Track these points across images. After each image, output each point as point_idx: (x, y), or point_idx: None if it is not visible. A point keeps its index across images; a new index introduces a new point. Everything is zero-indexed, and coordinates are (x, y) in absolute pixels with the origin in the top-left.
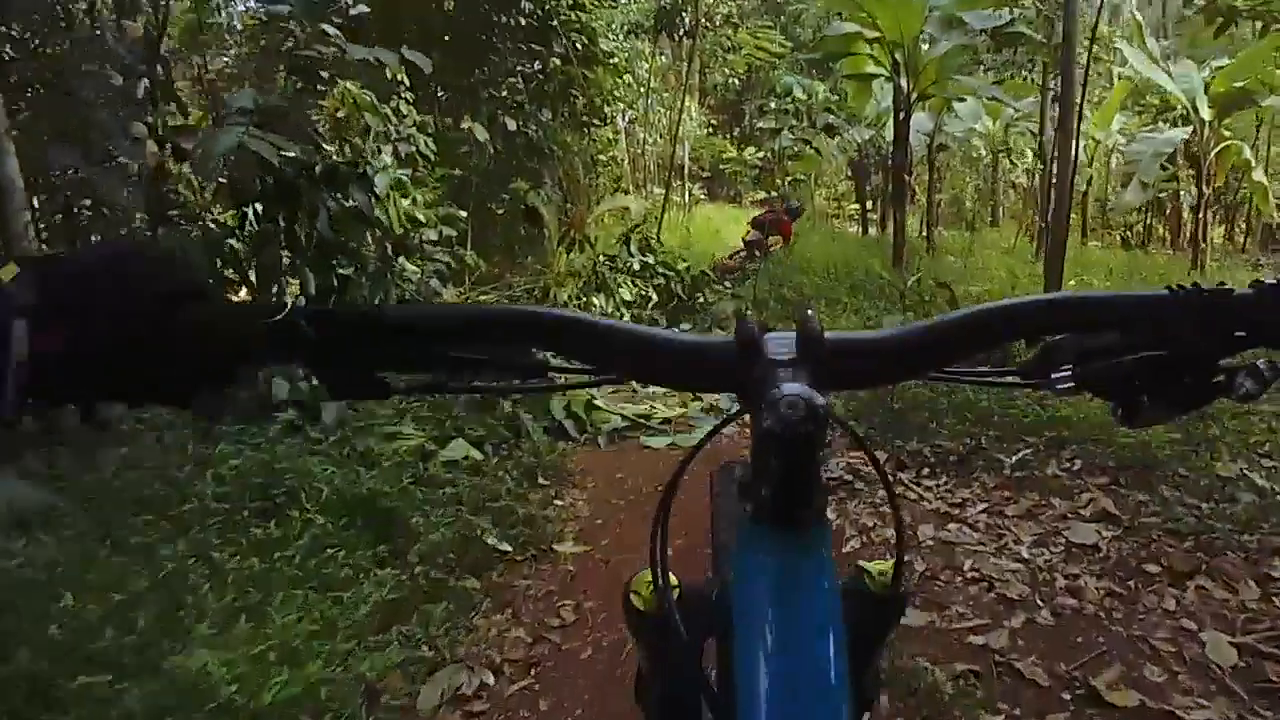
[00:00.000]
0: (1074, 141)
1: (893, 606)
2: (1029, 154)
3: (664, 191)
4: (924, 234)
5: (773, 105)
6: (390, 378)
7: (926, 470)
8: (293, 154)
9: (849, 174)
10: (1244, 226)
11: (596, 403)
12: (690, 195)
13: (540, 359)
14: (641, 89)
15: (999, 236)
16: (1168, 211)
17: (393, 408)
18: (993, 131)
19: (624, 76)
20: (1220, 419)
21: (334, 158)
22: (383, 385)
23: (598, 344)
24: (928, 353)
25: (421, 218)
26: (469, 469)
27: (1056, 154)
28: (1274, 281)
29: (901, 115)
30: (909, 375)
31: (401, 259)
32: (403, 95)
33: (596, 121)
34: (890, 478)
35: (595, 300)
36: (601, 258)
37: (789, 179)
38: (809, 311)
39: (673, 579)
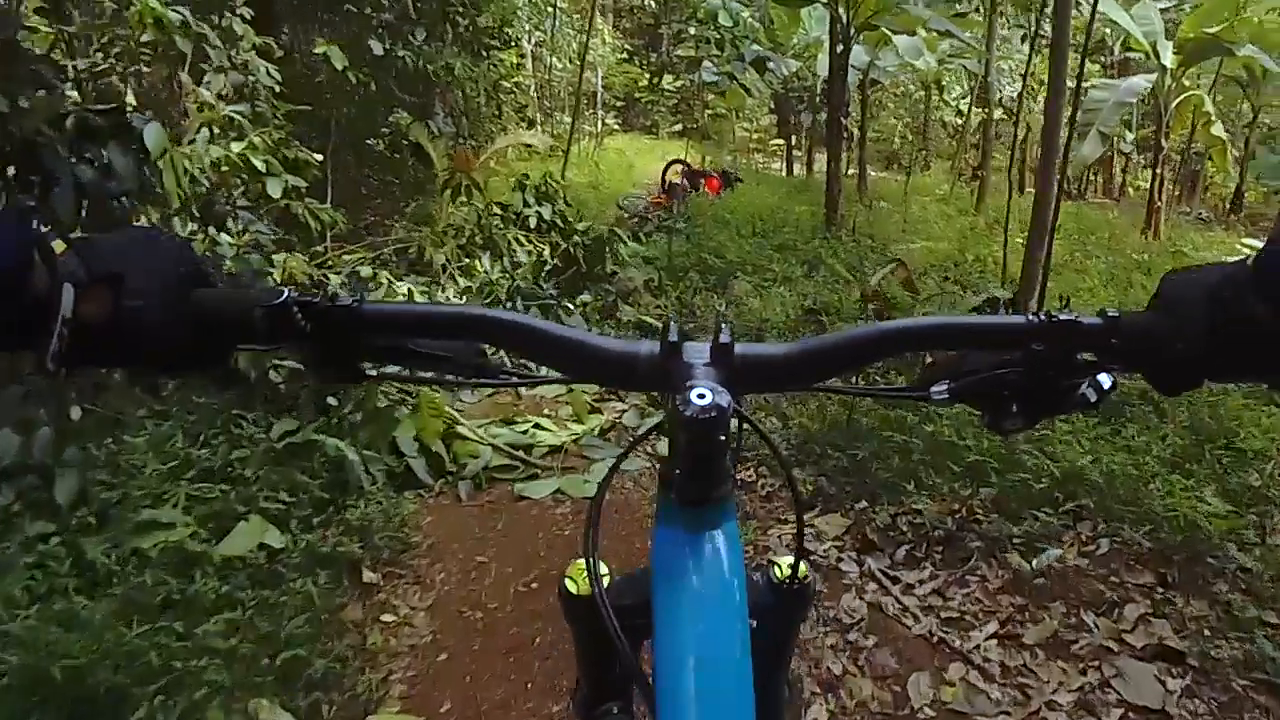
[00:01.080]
0: (1062, 93)
1: (798, 596)
2: (958, 91)
3: (574, 122)
4: (855, 177)
5: (693, 31)
6: (365, 367)
7: (904, 554)
8: (25, 103)
9: (772, 108)
10: (1188, 185)
11: (461, 430)
12: (603, 126)
13: (493, 359)
14: (549, 7)
15: (932, 181)
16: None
17: (164, 476)
18: (928, 68)
19: None
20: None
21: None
22: (359, 371)
23: (539, 345)
24: (826, 365)
25: (260, 165)
26: (256, 570)
27: (1027, 106)
28: (1116, 314)
29: (839, 48)
30: (809, 384)
31: (210, 229)
32: (237, 12)
33: (496, 44)
34: (799, 488)
35: (479, 264)
36: (493, 207)
37: (709, 112)
38: (723, 324)
39: (603, 567)
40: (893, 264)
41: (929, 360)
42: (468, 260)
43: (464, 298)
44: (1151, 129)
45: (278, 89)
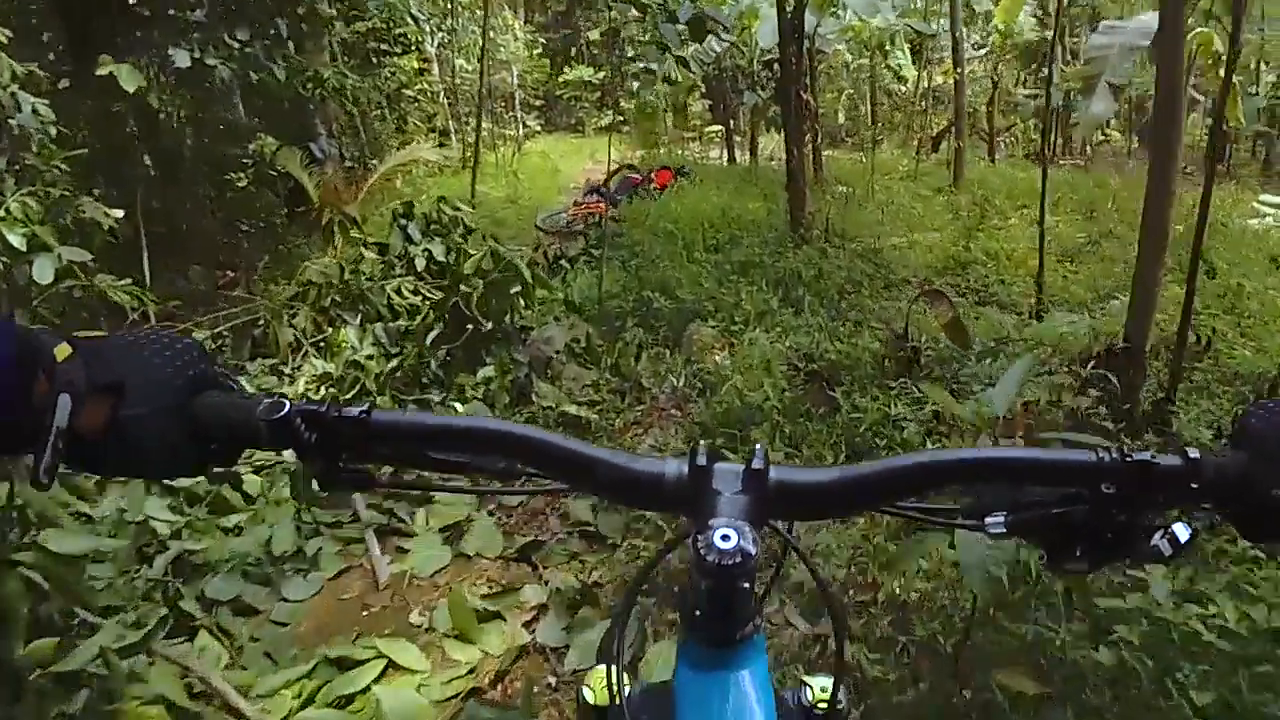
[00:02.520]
0: (1181, 40)
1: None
2: (903, 55)
3: (479, 132)
4: (811, 158)
5: (611, 13)
6: (375, 472)
7: None
8: None
9: (704, 91)
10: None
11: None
12: (523, 129)
13: (512, 468)
14: (450, 5)
15: (889, 157)
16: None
17: None
18: (886, 25)
19: None
20: None
21: None
22: (366, 478)
23: (558, 463)
24: (870, 492)
25: (18, 241)
26: None
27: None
28: (1197, 454)
29: (790, 11)
30: (852, 512)
31: None
32: None
33: (390, 50)
34: (838, 606)
35: (343, 335)
36: (368, 250)
37: (634, 102)
38: (759, 447)
39: (626, 679)
40: (923, 294)
41: (980, 486)
42: (331, 329)
43: (320, 391)
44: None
45: (54, 131)
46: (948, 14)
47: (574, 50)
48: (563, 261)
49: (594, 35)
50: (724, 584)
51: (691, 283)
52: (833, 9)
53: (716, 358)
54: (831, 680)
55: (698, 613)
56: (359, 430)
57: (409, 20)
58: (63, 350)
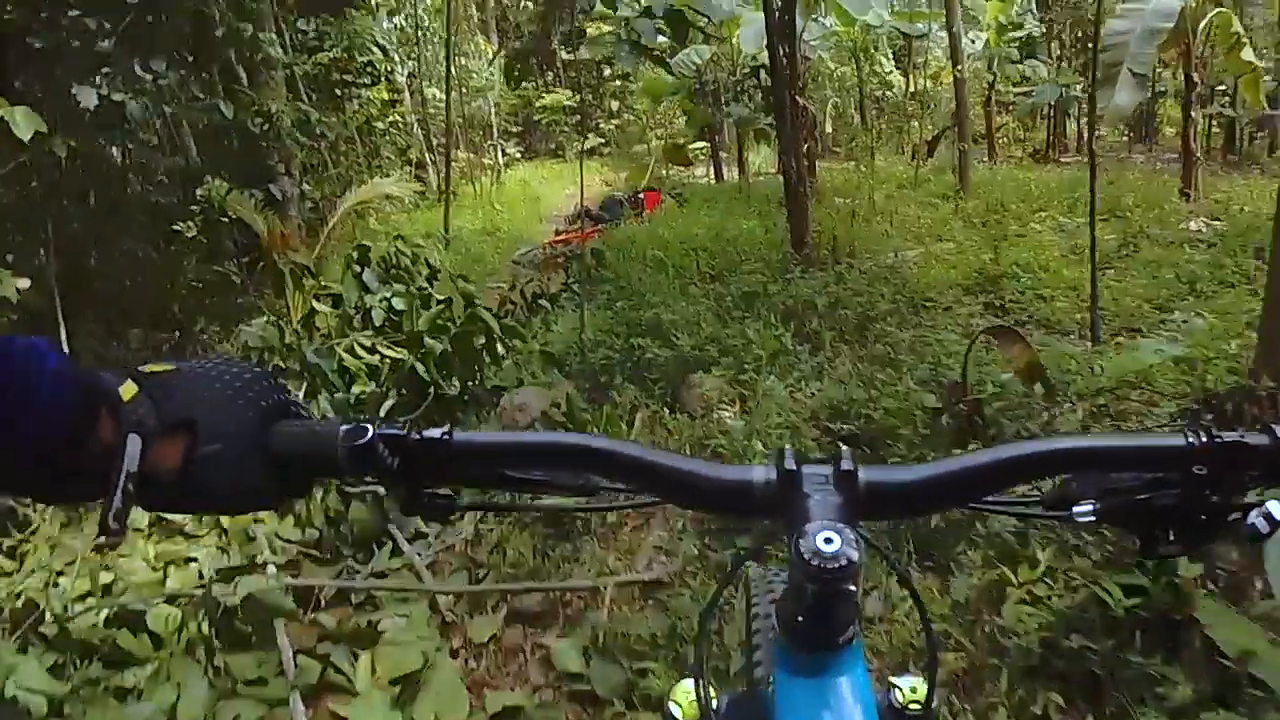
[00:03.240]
0: None
1: None
2: (886, 61)
3: (449, 163)
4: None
5: (588, 30)
6: (457, 495)
7: None
8: None
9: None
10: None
11: None
12: (503, 156)
13: (594, 483)
14: (421, 32)
15: (884, 165)
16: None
17: None
18: (880, 25)
19: (394, 18)
20: None
21: None
22: (449, 502)
23: (644, 474)
24: (957, 489)
25: None
26: None
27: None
28: None
29: (779, 9)
30: (939, 508)
31: None
32: None
33: (357, 81)
34: (926, 612)
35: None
36: (321, 305)
37: (614, 123)
38: (844, 449)
39: (713, 692)
40: (988, 334)
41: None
42: None
43: None
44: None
45: None
46: (934, 14)
47: (550, 74)
48: (542, 300)
49: (569, 57)
50: (828, 588)
51: (688, 322)
52: (813, 16)
53: (727, 417)
54: (920, 680)
55: (799, 618)
56: (440, 452)
57: (374, 49)
58: (128, 389)
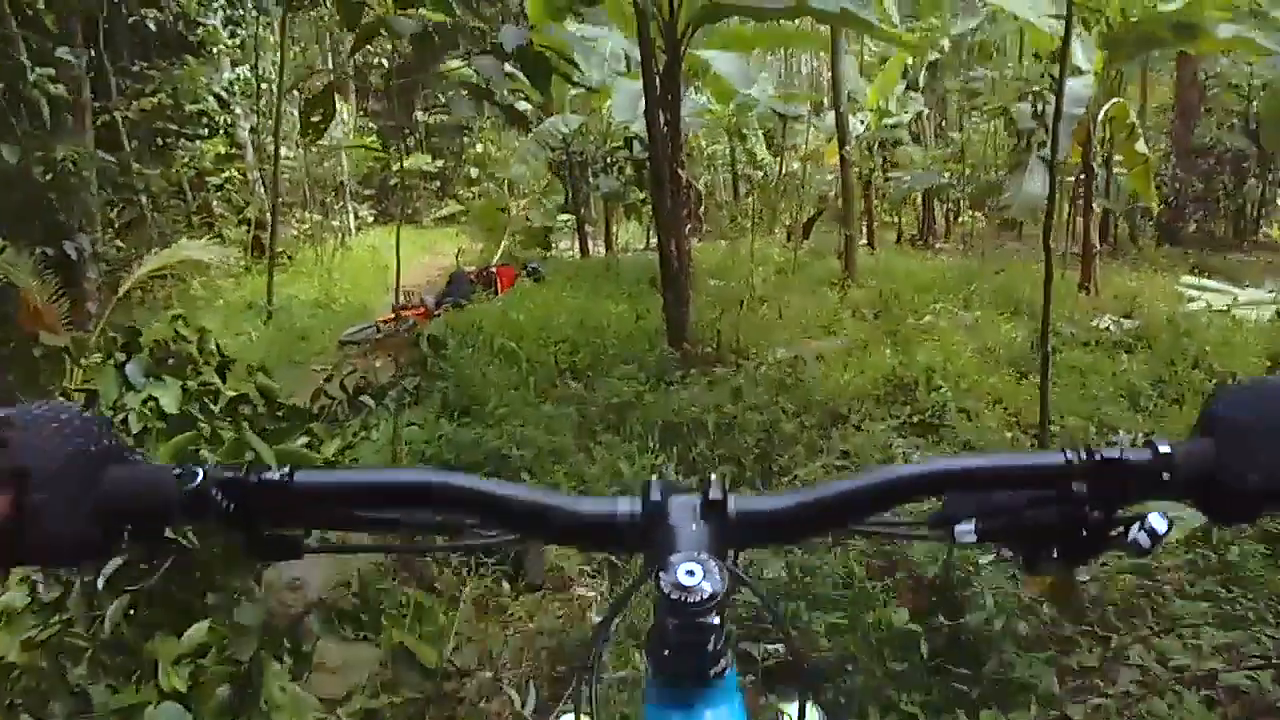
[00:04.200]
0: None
1: None
2: (758, 139)
3: (274, 225)
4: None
5: (448, 93)
6: (303, 538)
7: None
8: None
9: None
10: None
11: None
12: (355, 219)
13: (449, 521)
14: (266, 84)
15: (759, 247)
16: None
17: None
18: (764, 101)
19: (238, 68)
20: None
21: None
22: (294, 546)
23: (500, 510)
24: (833, 514)
25: None
26: None
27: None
28: (1168, 447)
29: (660, 70)
30: (816, 534)
31: None
32: None
33: (191, 130)
34: (798, 651)
35: None
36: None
37: (475, 191)
38: (713, 477)
39: None
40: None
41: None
42: None
43: None
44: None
45: None
46: (813, 96)
47: (411, 137)
48: (365, 397)
49: (427, 119)
50: (692, 621)
51: (540, 450)
52: (686, 90)
53: (590, 594)
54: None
55: (666, 652)
56: (281, 496)
57: (209, 98)
58: None
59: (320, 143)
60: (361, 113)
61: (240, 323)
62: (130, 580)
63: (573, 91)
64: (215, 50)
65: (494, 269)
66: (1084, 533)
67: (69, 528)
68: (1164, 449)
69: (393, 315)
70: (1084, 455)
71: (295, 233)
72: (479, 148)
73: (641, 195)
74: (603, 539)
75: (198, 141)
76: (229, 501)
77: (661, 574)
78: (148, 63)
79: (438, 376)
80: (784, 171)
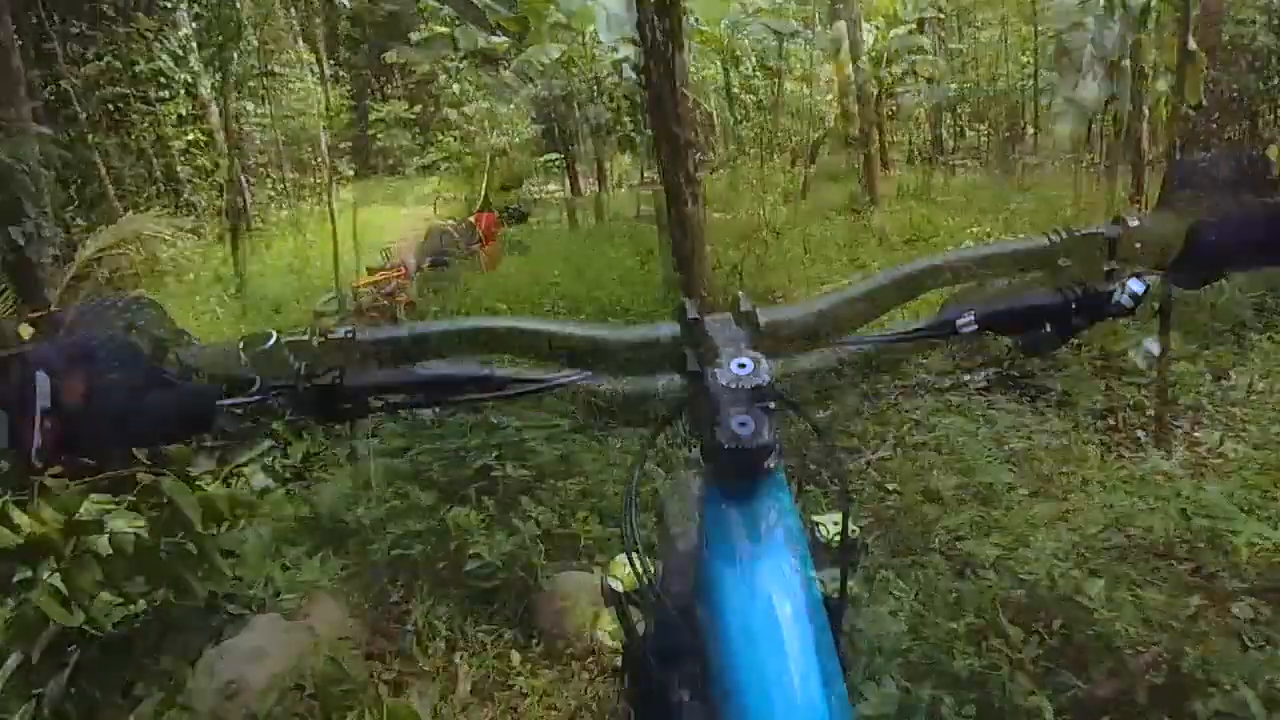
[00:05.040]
0: None
1: (847, 553)
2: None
3: (236, 186)
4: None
5: (420, 32)
6: (369, 400)
7: None
8: None
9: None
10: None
11: None
12: (334, 175)
13: (497, 377)
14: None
15: (767, 174)
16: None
17: None
18: (722, 34)
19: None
20: None
21: None
22: (362, 405)
23: (548, 347)
24: (851, 316)
25: None
26: None
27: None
28: (1135, 218)
29: None
30: (836, 335)
31: None
32: None
33: (151, 92)
34: (837, 450)
35: None
36: None
37: (454, 135)
38: (740, 294)
39: (649, 562)
40: None
41: (945, 300)
42: None
43: None
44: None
45: None
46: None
47: (387, 86)
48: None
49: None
50: (748, 410)
51: (546, 446)
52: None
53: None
54: (839, 515)
55: (723, 445)
56: (346, 353)
57: (164, 57)
58: (24, 330)
59: (287, 94)
60: (332, 61)
61: (207, 297)
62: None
63: (552, 18)
64: (169, 3)
65: (473, 218)
66: (1073, 305)
67: (147, 402)
68: (1134, 223)
69: (369, 279)
70: (1064, 235)
71: (271, 193)
72: (455, 88)
73: (634, 126)
74: (650, 362)
75: (158, 105)
76: (299, 362)
77: (716, 370)
78: (91, 24)
79: None
80: (781, 93)
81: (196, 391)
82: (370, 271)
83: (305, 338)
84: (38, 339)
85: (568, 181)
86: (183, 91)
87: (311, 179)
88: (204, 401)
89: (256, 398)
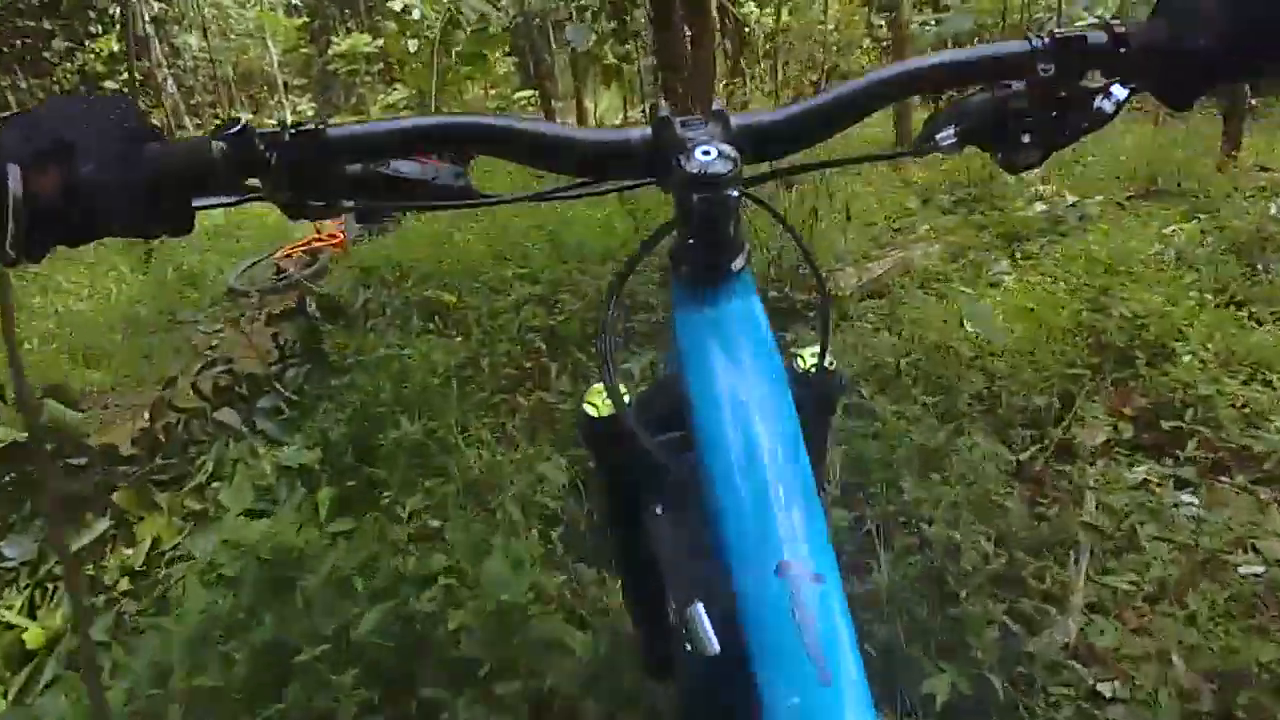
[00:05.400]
0: None
1: (828, 385)
2: None
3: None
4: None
5: None
6: (341, 198)
7: None
8: None
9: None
10: None
11: None
12: (291, 115)
13: (472, 187)
14: None
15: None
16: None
17: None
18: None
19: None
20: None
21: None
22: (335, 204)
23: (521, 146)
24: (828, 122)
25: None
26: None
27: None
28: (1122, 25)
29: None
30: (810, 144)
31: None
32: None
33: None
34: (820, 271)
35: None
36: None
37: (415, 65)
38: (715, 100)
39: (623, 389)
40: None
41: (927, 116)
42: None
43: None
44: None
45: None
46: None
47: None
48: (228, 412)
49: None
50: (712, 201)
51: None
52: None
53: None
54: (815, 348)
55: (689, 242)
56: (317, 144)
57: None
58: None
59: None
60: None
61: (113, 265)
62: None
63: None
64: None
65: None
66: (1053, 115)
67: (122, 196)
68: (1120, 28)
69: (293, 248)
70: (1047, 40)
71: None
72: (415, 14)
73: (622, 52)
74: (621, 165)
75: (87, 42)
76: (270, 152)
77: (681, 160)
78: None
79: (335, 365)
80: (776, 25)
81: (175, 183)
82: (298, 241)
83: (276, 129)
84: (7, 127)
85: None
86: (117, 26)
87: (269, 119)
88: (179, 196)
89: (229, 198)
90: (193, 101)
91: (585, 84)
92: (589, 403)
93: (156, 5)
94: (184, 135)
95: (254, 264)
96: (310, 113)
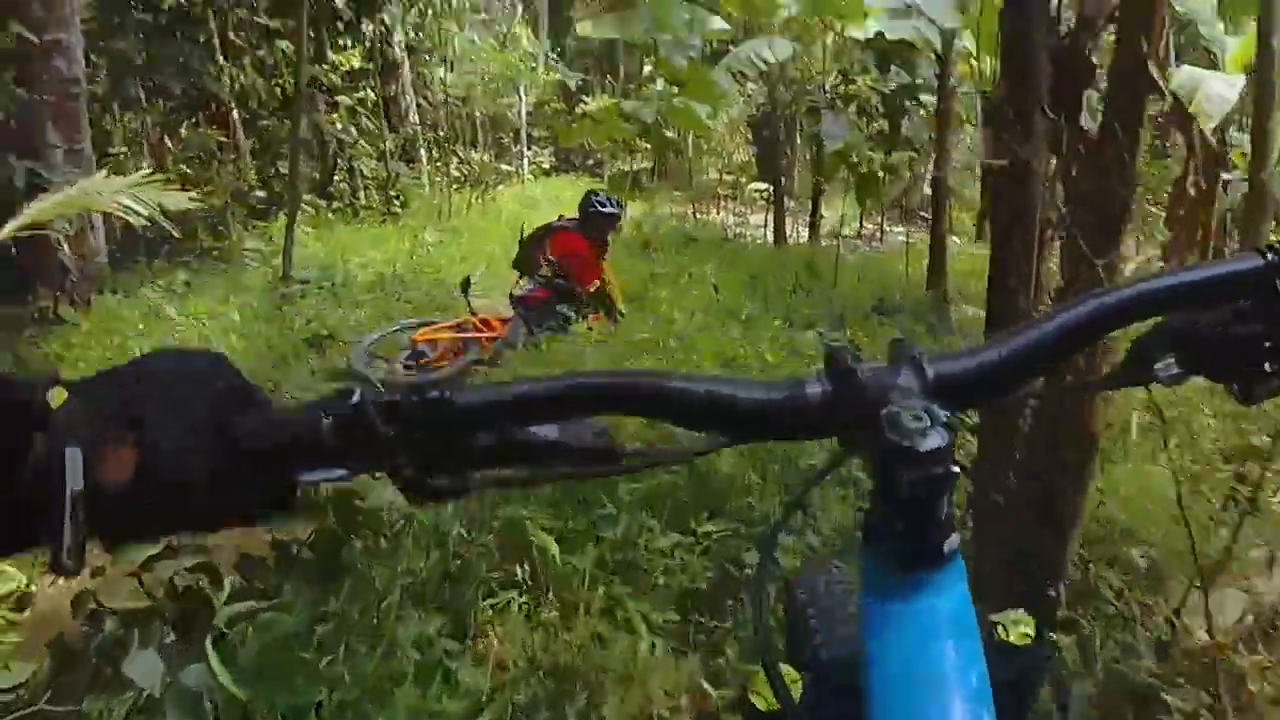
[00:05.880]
0: None
1: (1034, 662)
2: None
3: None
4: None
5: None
6: (470, 473)
7: None
8: None
9: (750, 137)
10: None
11: None
12: (530, 167)
13: (615, 448)
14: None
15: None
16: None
17: None
18: None
19: None
20: None
21: None
22: (462, 481)
23: (674, 406)
24: (1036, 363)
25: None
26: None
27: None
28: None
29: None
30: (1015, 389)
31: None
32: None
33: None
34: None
35: None
36: None
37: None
38: (901, 337)
39: (791, 673)
40: None
41: (1136, 338)
42: None
43: None
44: None
45: None
46: None
47: (605, 77)
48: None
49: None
50: (926, 472)
51: None
52: None
53: None
54: (1024, 614)
55: (894, 523)
56: (442, 414)
57: None
58: (58, 395)
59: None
60: (552, 40)
61: (244, 301)
62: None
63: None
64: None
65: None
66: None
67: (205, 477)
68: None
69: (438, 329)
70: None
71: (457, 174)
72: (658, 84)
73: (883, 159)
74: (794, 424)
75: (330, 53)
76: (388, 427)
77: (887, 418)
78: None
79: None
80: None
81: (274, 462)
82: (429, 326)
83: (396, 398)
84: (69, 404)
85: (773, 223)
86: (366, 44)
87: (508, 167)
88: (280, 475)
89: (339, 472)
90: (436, 135)
91: (828, 187)
92: (754, 691)
93: (411, 33)
94: (416, 169)
95: (389, 333)
96: (547, 166)
